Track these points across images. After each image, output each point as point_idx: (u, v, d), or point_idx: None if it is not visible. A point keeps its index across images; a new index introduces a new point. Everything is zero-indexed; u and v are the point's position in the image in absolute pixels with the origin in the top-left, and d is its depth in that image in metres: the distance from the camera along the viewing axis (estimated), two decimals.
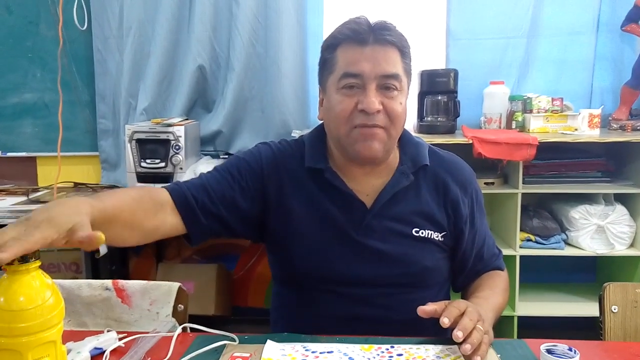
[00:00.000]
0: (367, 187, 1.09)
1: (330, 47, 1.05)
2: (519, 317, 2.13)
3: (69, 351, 0.90)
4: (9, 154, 2.52)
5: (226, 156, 2.39)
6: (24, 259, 0.66)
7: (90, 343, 0.94)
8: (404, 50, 1.03)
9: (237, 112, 2.42)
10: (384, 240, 1.07)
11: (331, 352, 0.92)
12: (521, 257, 2.10)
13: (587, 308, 2.13)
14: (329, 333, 1.00)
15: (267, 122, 2.41)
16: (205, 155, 2.43)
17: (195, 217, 1.04)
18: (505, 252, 2.09)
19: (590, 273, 2.43)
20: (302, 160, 1.10)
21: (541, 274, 2.36)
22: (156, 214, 0.99)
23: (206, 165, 2.26)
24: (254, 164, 1.10)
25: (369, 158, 1.04)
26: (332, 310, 1.07)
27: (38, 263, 0.68)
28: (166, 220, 1.01)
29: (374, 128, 1.01)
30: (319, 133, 1.12)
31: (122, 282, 1.13)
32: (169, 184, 1.07)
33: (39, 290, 0.67)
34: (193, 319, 1.08)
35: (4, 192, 2.37)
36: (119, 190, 1.01)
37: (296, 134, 2.27)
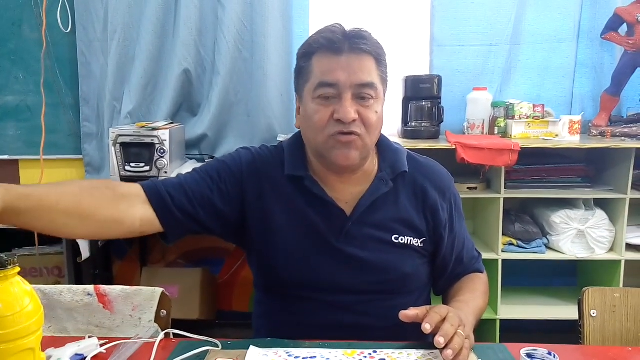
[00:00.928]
0: (346, 194, 1.09)
1: (306, 55, 1.05)
2: (501, 321, 2.15)
3: (49, 358, 0.89)
4: None
5: (211, 159, 2.39)
6: (2, 265, 0.66)
7: (71, 349, 0.93)
8: (379, 59, 1.04)
9: (223, 116, 2.42)
10: (364, 248, 1.07)
11: (314, 357, 0.92)
12: (503, 261, 2.12)
13: (568, 311, 2.16)
14: (312, 340, 1.00)
15: (253, 126, 2.41)
16: (191, 159, 2.42)
17: (170, 213, 1.02)
18: (488, 256, 2.11)
19: (571, 277, 2.47)
20: (282, 167, 1.10)
21: (523, 278, 2.39)
22: (117, 206, 0.96)
23: (190, 169, 2.25)
24: (234, 168, 1.10)
25: (345, 166, 1.04)
26: (314, 318, 1.07)
27: (17, 269, 0.68)
28: (135, 213, 0.99)
29: (351, 135, 1.01)
30: (298, 140, 1.12)
31: (104, 288, 1.13)
32: (146, 181, 1.06)
33: (17, 296, 0.67)
34: (177, 323, 1.08)
35: None
36: (69, 181, 0.97)
37: (282, 138, 2.27)
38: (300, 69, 1.06)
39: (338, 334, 1.02)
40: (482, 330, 2.17)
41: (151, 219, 1.01)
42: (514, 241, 2.15)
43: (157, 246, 2.60)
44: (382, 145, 1.13)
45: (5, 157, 2.49)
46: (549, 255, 2.16)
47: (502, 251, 2.13)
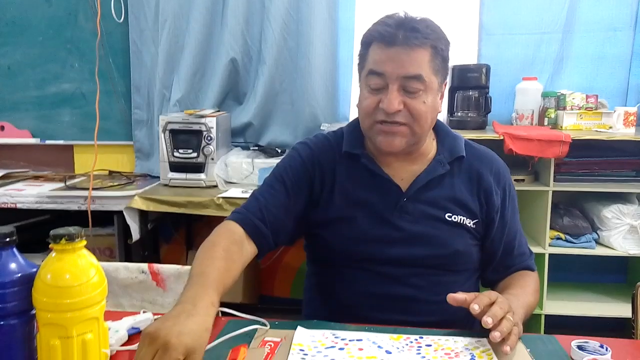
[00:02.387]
0: (402, 172, 1.13)
1: (364, 44, 1.10)
2: (547, 316, 2.11)
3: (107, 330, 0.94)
4: (48, 142, 2.61)
5: (256, 148, 2.43)
6: (70, 238, 0.70)
7: (128, 322, 0.97)
8: (435, 50, 1.05)
9: (268, 105, 2.45)
10: (417, 223, 1.10)
11: (360, 340, 0.94)
12: (550, 255, 2.07)
13: (616, 309, 2.09)
14: (361, 310, 1.05)
15: (297, 115, 2.43)
16: (236, 146, 2.47)
17: (267, 241, 1.09)
18: (535, 250, 2.03)
19: (620, 274, 2.39)
20: (340, 149, 1.15)
21: (570, 274, 2.33)
22: (242, 254, 1.03)
23: (237, 157, 2.30)
24: (298, 166, 1.15)
25: (388, 152, 1.09)
26: (366, 288, 1.11)
27: (83, 242, 0.72)
28: (248, 253, 1.05)
29: (394, 125, 1.05)
30: (358, 122, 1.16)
31: (157, 266, 1.17)
32: (234, 213, 1.10)
33: (84, 268, 0.71)
34: (221, 306, 1.10)
35: (42, 179, 2.45)
36: (212, 257, 0.97)
37: (325, 127, 2.28)
38: (360, 56, 1.12)
39: (387, 303, 1.07)
40: (527, 325, 2.12)
41: (255, 252, 1.08)
42: (562, 235, 2.10)
43: (203, 230, 2.66)
44: (441, 131, 1.17)
45: (61, 142, 2.61)
46: (599, 251, 2.09)
47: (549, 245, 2.09)
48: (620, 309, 2.07)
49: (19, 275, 0.70)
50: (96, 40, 2.41)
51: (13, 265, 0.71)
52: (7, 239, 0.71)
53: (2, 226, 0.73)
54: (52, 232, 0.70)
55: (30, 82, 2.57)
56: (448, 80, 2.26)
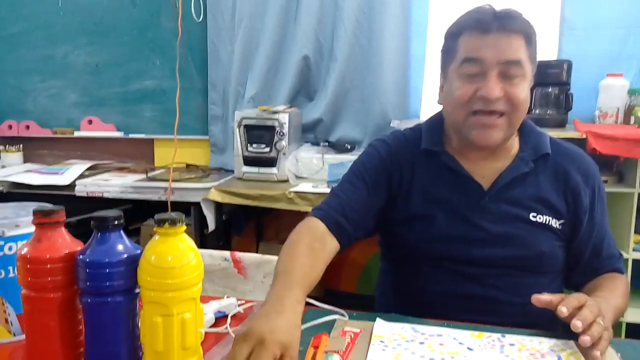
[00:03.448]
0: (484, 169, 1.10)
1: (454, 35, 1.06)
2: (627, 325, 2.00)
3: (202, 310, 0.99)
4: (131, 136, 2.77)
5: (326, 144, 2.46)
6: (173, 222, 0.74)
7: (214, 306, 1.02)
8: (529, 38, 1.02)
9: (338, 102, 2.47)
10: (500, 223, 1.07)
11: (440, 335, 0.93)
12: (634, 260, 1.96)
13: None
14: (437, 308, 1.04)
15: (367, 112, 2.44)
16: (307, 142, 2.51)
17: (348, 236, 1.09)
18: None
19: None
20: (418, 146, 1.13)
21: None
22: (325, 251, 1.04)
23: (307, 152, 2.33)
24: (377, 162, 1.14)
25: (485, 146, 1.06)
26: (443, 287, 1.09)
27: (184, 227, 0.76)
28: (330, 248, 1.06)
29: (493, 116, 1.01)
30: (438, 117, 1.15)
31: (239, 254, 1.22)
32: (315, 210, 1.11)
33: (184, 251, 0.75)
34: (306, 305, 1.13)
35: (126, 170, 2.60)
36: (297, 255, 0.98)
37: (395, 124, 2.27)
38: (447, 48, 1.08)
39: (464, 304, 1.05)
40: None
41: (337, 247, 1.08)
42: None
43: (272, 223, 2.73)
44: (525, 126, 1.12)
45: (142, 135, 2.76)
46: None
47: (633, 250, 1.98)
48: None
49: (125, 256, 0.76)
50: (177, 40, 2.53)
51: (120, 247, 0.76)
52: (116, 222, 0.77)
53: (109, 210, 0.79)
54: (156, 216, 0.74)
55: (115, 80, 2.74)
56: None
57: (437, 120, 1.15)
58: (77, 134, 2.78)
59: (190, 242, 0.77)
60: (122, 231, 0.78)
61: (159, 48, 2.65)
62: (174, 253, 0.74)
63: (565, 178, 1.09)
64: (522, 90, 1.02)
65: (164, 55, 2.65)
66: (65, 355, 0.77)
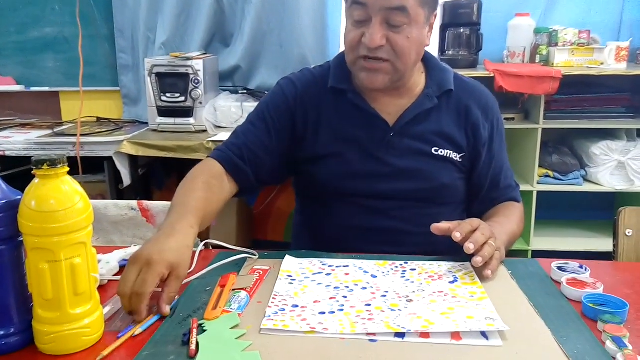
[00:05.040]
0: (390, 107, 1.11)
1: None
2: (534, 252, 2.16)
3: (98, 261, 0.95)
4: (33, 89, 2.56)
5: (245, 92, 2.39)
6: (52, 163, 0.69)
7: (119, 255, 0.99)
8: None
9: (256, 47, 2.40)
10: (404, 157, 1.10)
11: (347, 266, 0.96)
12: (538, 192, 2.10)
13: (603, 244, 2.14)
14: (348, 242, 1.07)
15: (286, 56, 2.39)
16: (225, 90, 2.43)
17: (247, 178, 1.10)
18: (523, 187, 2.09)
19: (608, 210, 2.42)
20: (326, 84, 1.13)
21: (558, 211, 2.37)
22: (222, 188, 1.06)
23: (225, 101, 2.27)
24: (280, 103, 1.14)
25: (371, 89, 1.08)
26: (353, 221, 1.12)
27: (66, 169, 0.71)
28: (228, 188, 1.08)
29: (377, 62, 1.03)
30: (344, 55, 1.13)
31: (146, 203, 1.18)
32: (215, 151, 1.12)
33: (67, 193, 0.70)
34: (213, 247, 1.12)
35: (30, 126, 2.43)
36: (193, 189, 1.01)
37: None
38: None
39: (373, 236, 1.09)
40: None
41: (235, 189, 1.11)
42: (551, 173, 2.12)
43: None
44: (430, 64, 1.15)
45: (46, 88, 2.56)
46: (586, 188, 2.12)
47: (538, 183, 2.11)
48: (606, 244, 2.10)
49: (4, 202, 0.70)
50: None
51: None
52: None
53: None
54: (33, 158, 0.69)
55: (10, 27, 2.49)
56: (439, 17, 2.23)
57: (343, 59, 1.13)
58: None
59: (75, 185, 0.72)
60: None
61: None
62: (56, 196, 0.70)
63: (467, 113, 1.12)
64: (407, 37, 1.01)
65: None
66: None
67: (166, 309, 0.79)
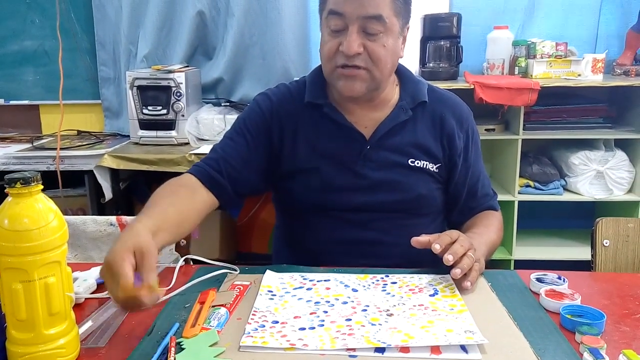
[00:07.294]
0: (366, 120, 1.12)
1: None
2: (516, 262, 2.17)
3: (75, 279, 0.94)
4: (12, 102, 2.53)
5: (227, 104, 2.39)
6: (26, 181, 0.68)
7: (96, 272, 0.97)
8: None
9: (238, 59, 2.40)
10: (381, 170, 1.10)
11: (328, 280, 0.95)
12: (519, 202, 2.12)
13: (582, 252, 2.16)
14: (329, 256, 1.06)
15: (268, 69, 2.39)
16: (207, 103, 2.43)
17: (225, 190, 1.08)
18: (504, 197, 2.12)
19: (588, 219, 2.41)
20: (302, 99, 1.13)
21: (539, 220, 2.39)
22: (193, 196, 1.03)
23: (208, 113, 2.26)
24: (257, 118, 1.13)
25: (349, 97, 1.08)
26: (333, 235, 1.12)
27: (40, 187, 0.70)
28: (202, 198, 1.05)
29: (354, 69, 1.03)
30: (319, 69, 1.14)
31: (125, 218, 1.17)
32: (192, 167, 1.10)
33: (41, 212, 0.70)
34: (195, 262, 1.11)
35: (9, 140, 2.39)
36: (159, 197, 0.98)
37: None
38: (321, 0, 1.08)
39: (353, 249, 1.09)
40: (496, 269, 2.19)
41: (213, 201, 1.07)
42: (531, 183, 2.15)
43: None
44: (404, 76, 1.16)
45: (26, 102, 2.53)
46: (566, 197, 2.15)
47: (519, 193, 2.13)
48: (587, 252, 2.11)
49: None
50: None
51: None
52: None
53: None
54: (6, 177, 0.68)
55: None
56: (419, 30, 2.25)
57: (319, 73, 1.14)
58: None
59: (49, 203, 0.71)
60: None
61: (36, 4, 2.41)
62: (29, 215, 0.69)
63: (442, 123, 1.13)
64: (383, 45, 1.02)
65: (43, 12, 2.41)
66: None
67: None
